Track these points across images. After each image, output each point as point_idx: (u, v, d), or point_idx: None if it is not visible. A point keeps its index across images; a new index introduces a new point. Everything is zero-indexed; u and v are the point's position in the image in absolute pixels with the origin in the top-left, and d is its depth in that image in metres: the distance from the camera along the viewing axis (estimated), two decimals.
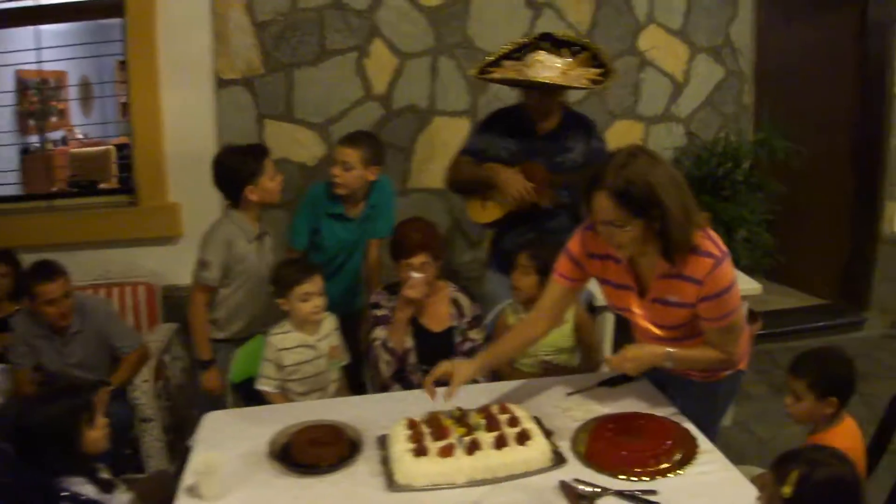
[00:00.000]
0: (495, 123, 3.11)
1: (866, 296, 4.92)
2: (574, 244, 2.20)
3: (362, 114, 3.74)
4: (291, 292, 2.51)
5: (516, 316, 2.67)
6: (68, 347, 2.96)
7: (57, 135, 6.62)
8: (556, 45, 2.97)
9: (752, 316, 4.15)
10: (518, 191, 2.93)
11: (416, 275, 2.57)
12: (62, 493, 1.92)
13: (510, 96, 3.62)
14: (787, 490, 1.55)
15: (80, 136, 6.93)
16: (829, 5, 4.87)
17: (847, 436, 2.09)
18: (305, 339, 2.57)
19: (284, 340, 2.53)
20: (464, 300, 2.77)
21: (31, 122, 5.90)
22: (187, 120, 3.64)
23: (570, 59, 2.97)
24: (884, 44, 4.53)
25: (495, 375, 2.59)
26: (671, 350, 2.11)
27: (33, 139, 5.85)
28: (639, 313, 2.16)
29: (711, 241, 1.99)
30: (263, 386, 2.53)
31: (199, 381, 2.94)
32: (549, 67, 2.90)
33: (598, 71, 2.99)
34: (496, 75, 3.01)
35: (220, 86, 3.66)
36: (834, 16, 4.84)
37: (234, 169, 2.82)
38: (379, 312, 2.72)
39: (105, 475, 2.05)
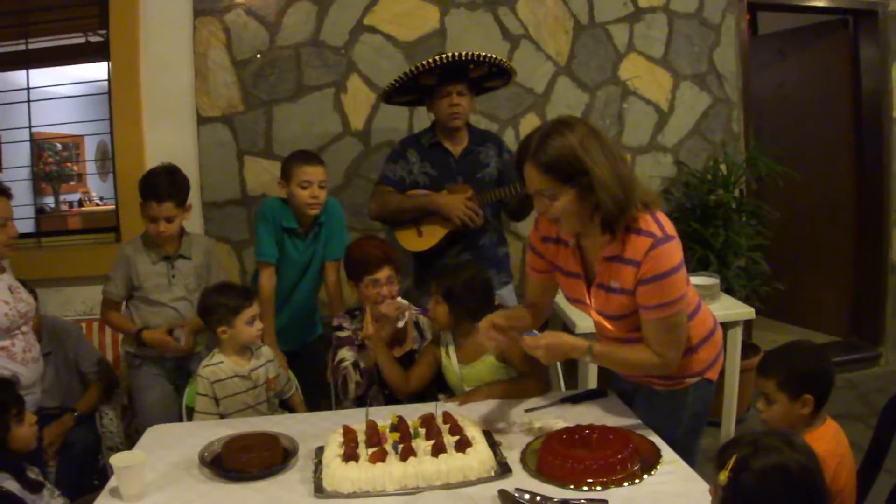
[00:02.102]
0: (409, 150, 3.18)
1: (880, 329, 4.77)
2: (531, 233, 2.17)
3: (341, 149, 3.75)
4: (237, 318, 2.47)
5: (447, 348, 2.55)
6: None
7: (73, 197, 6.82)
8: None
9: (753, 349, 4.02)
10: (463, 212, 3.01)
11: (393, 301, 2.53)
12: None
13: None
14: (722, 476, 1.40)
15: (98, 201, 7.12)
16: (821, 37, 4.86)
17: (828, 439, 1.93)
18: (239, 370, 2.51)
19: (217, 372, 2.47)
20: (425, 323, 2.70)
21: (46, 184, 6.06)
22: (169, 157, 3.58)
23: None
24: (878, 70, 4.50)
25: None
26: (593, 344, 2.01)
27: (49, 200, 6.01)
28: (589, 304, 2.09)
29: (655, 222, 1.90)
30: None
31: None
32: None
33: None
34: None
35: (200, 123, 3.70)
36: (826, 46, 4.84)
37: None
38: (342, 334, 2.65)
39: (34, 475, 2.00)
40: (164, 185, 2.84)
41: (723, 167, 4.02)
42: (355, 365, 2.55)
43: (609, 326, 2.06)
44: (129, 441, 3.21)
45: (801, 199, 4.72)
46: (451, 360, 2.51)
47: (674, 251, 1.89)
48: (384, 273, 2.57)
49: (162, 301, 2.91)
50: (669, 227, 1.92)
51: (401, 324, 2.55)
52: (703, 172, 4.07)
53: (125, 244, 3.04)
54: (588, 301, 2.08)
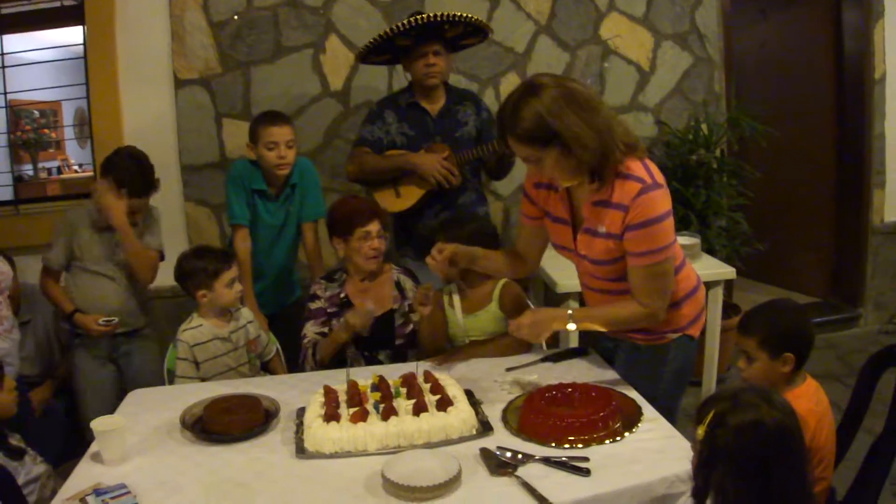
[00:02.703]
0: (386, 111, 3.15)
1: (859, 290, 4.79)
2: (526, 180, 2.21)
3: (320, 110, 3.70)
4: (217, 281, 2.47)
5: (450, 297, 2.57)
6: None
7: (53, 164, 6.72)
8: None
9: (734, 309, 4.05)
10: (439, 171, 3.00)
11: (370, 306, 2.48)
12: None
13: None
14: (700, 431, 1.41)
15: (76, 167, 7.02)
16: None
17: (808, 397, 1.94)
18: (219, 332, 2.51)
19: (197, 336, 2.47)
20: (407, 282, 2.70)
21: (24, 152, 5.97)
22: (147, 121, 3.61)
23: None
24: (861, 29, 4.47)
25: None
26: (571, 311, 2.05)
27: (27, 168, 5.93)
28: (574, 249, 2.11)
29: (645, 169, 1.94)
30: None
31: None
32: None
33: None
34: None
35: (178, 86, 3.64)
36: (809, 7, 4.80)
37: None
38: (313, 306, 2.62)
39: (15, 442, 1.98)
40: (132, 182, 2.72)
41: (704, 127, 4.01)
42: (313, 345, 2.54)
43: (594, 270, 2.08)
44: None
45: (782, 160, 4.71)
46: (454, 311, 2.53)
47: (662, 199, 1.93)
48: (374, 226, 2.56)
49: (103, 272, 2.81)
50: (659, 176, 1.95)
51: (378, 313, 2.53)
52: (684, 132, 4.05)
53: (69, 211, 2.91)
54: (574, 247, 2.10)
